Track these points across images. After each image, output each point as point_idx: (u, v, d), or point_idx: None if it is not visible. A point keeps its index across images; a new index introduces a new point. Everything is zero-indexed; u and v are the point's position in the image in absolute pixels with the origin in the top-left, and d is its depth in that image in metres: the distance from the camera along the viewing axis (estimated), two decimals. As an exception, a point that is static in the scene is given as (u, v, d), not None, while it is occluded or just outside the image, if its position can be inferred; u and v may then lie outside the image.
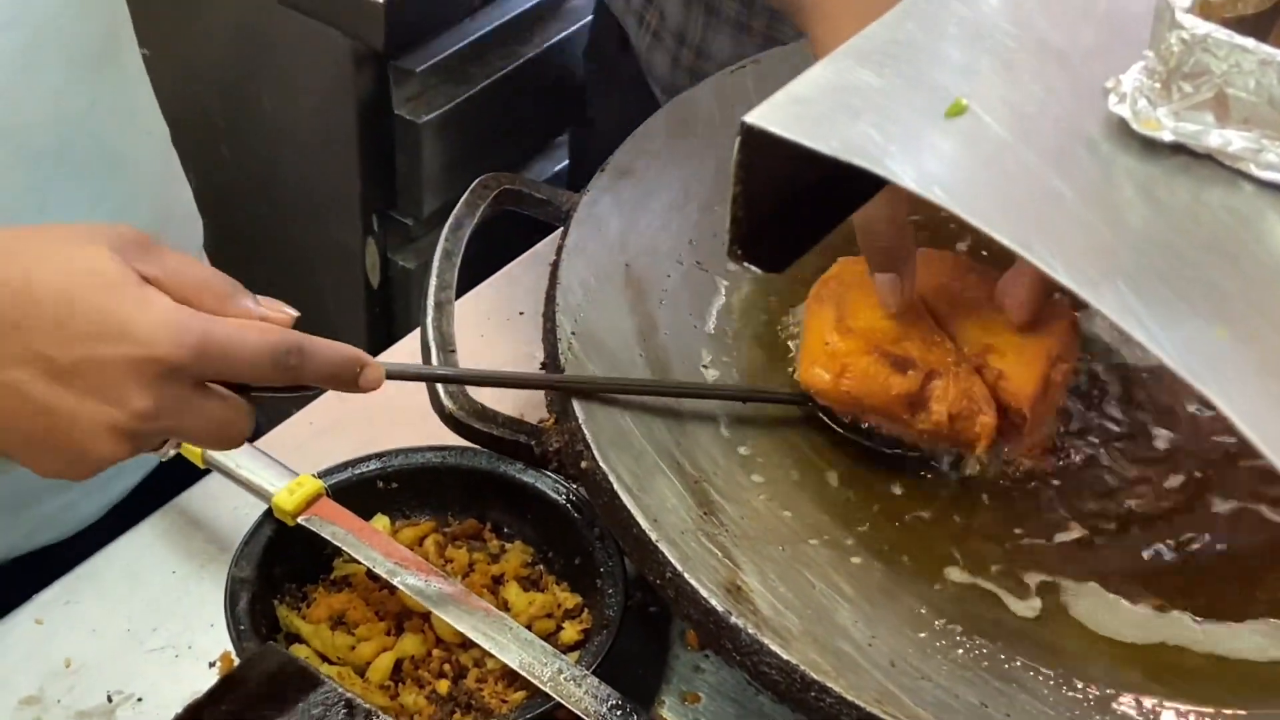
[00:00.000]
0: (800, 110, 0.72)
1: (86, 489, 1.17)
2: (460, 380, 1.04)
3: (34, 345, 0.79)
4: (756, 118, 0.71)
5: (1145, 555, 1.01)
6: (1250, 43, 0.69)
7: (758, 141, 0.72)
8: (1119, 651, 0.95)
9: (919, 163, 0.69)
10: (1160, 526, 1.03)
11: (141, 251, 0.81)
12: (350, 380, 0.87)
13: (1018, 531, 1.02)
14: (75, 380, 0.79)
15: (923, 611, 0.95)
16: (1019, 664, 0.93)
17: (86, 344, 0.79)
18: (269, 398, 0.87)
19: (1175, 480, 1.06)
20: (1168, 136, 0.71)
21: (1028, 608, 0.97)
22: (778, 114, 0.72)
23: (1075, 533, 1.02)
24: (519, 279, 1.32)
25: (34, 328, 0.79)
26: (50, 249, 0.81)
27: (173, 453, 0.88)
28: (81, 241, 0.81)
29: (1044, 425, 1.07)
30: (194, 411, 0.82)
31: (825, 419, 1.06)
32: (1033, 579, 0.99)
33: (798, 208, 0.77)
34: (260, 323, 0.83)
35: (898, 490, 1.04)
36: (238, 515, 1.06)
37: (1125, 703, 0.91)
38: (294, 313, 0.86)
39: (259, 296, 0.85)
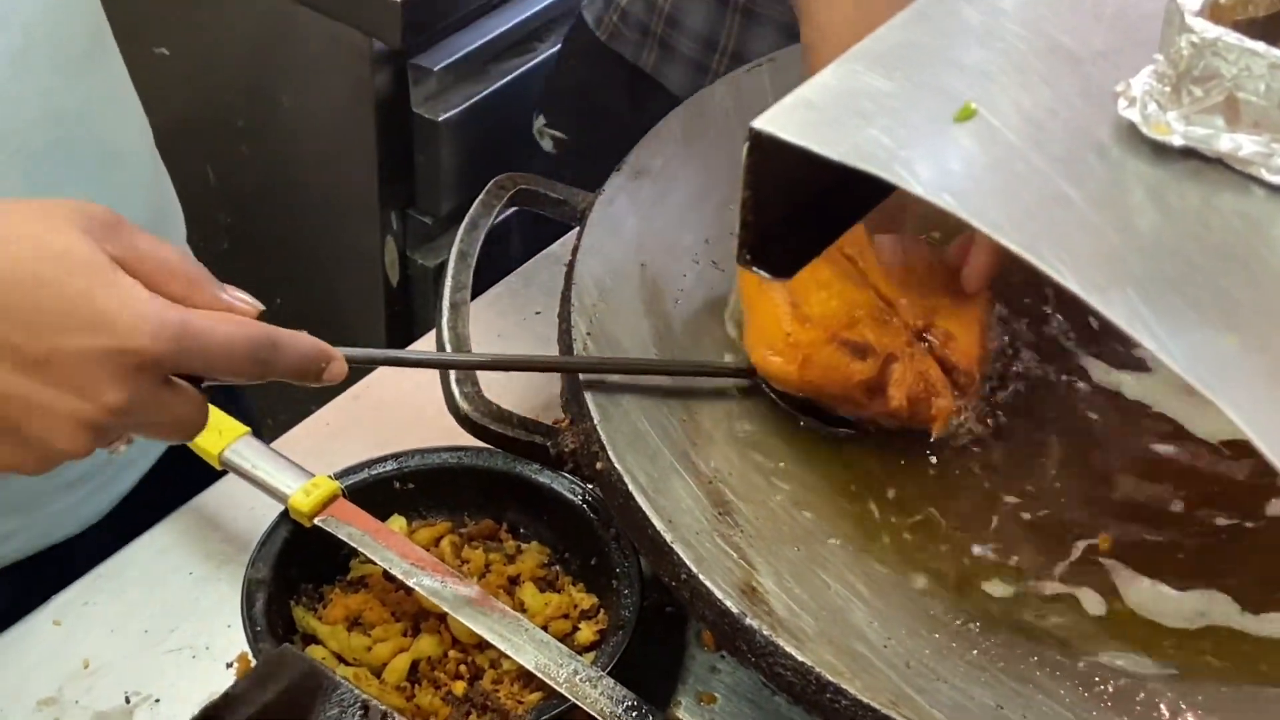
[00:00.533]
0: (810, 115, 0.72)
1: (92, 487, 1.17)
2: (416, 364, 1.05)
3: (1, 333, 0.75)
4: (765, 123, 0.71)
5: (1170, 551, 1.02)
6: (1260, 46, 0.69)
7: (767, 146, 0.72)
8: (1146, 646, 0.95)
9: (928, 168, 0.69)
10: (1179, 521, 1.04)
11: (111, 232, 0.78)
12: (316, 374, 0.85)
13: (1036, 525, 1.02)
14: (46, 372, 0.75)
15: (939, 612, 0.95)
16: (1035, 660, 0.92)
17: (60, 334, 0.75)
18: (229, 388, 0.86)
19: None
20: (1178, 141, 0.71)
21: (1048, 605, 0.97)
22: (787, 119, 0.72)
23: (1097, 528, 1.02)
24: (535, 278, 1.32)
25: (2, 315, 0.75)
26: (17, 229, 0.77)
27: (124, 449, 0.85)
28: (50, 221, 0.77)
29: (979, 386, 1.09)
30: (160, 406, 0.79)
31: (771, 394, 1.06)
32: (1055, 576, 0.99)
33: (808, 211, 0.77)
34: (234, 315, 0.80)
35: (915, 489, 1.04)
36: (254, 516, 1.07)
37: (1143, 701, 0.90)
38: (260, 305, 0.83)
39: (225, 285, 0.82)
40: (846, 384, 1.03)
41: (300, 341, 0.83)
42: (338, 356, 0.86)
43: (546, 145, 1.75)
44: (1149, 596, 0.98)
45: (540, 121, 1.75)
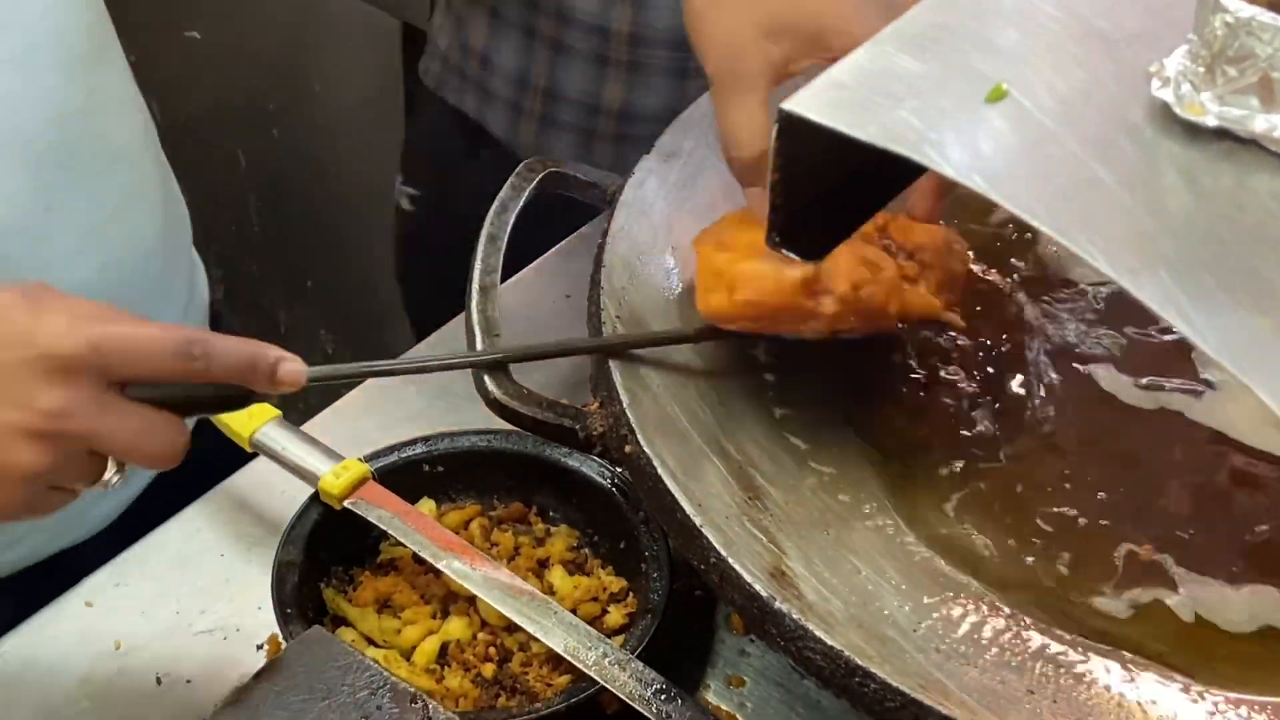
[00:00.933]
0: (840, 96, 0.72)
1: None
2: (382, 373, 1.04)
3: None
4: (795, 104, 0.71)
5: (1224, 552, 1.00)
6: (1296, 26, 0.68)
7: (797, 128, 0.72)
8: (1178, 636, 0.94)
9: (959, 149, 0.69)
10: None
11: (39, 291, 0.82)
12: (265, 375, 0.85)
13: (1084, 524, 1.01)
14: None
15: (971, 598, 0.95)
16: (1067, 644, 0.92)
17: None
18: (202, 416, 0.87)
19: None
20: (1211, 121, 0.71)
21: (1084, 595, 0.96)
22: (817, 100, 0.71)
23: (1146, 529, 1.01)
24: (565, 262, 1.32)
25: None
26: None
27: (116, 480, 0.87)
28: None
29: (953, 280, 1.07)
30: (113, 414, 0.81)
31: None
32: (1096, 573, 0.98)
33: (837, 193, 0.77)
34: (162, 323, 0.83)
35: (947, 473, 1.04)
36: (285, 498, 1.07)
37: (1173, 689, 0.90)
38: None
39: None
40: (784, 291, 0.99)
41: (236, 342, 0.85)
42: (289, 357, 0.86)
43: (405, 204, 1.71)
44: (1197, 593, 0.97)
45: (399, 180, 1.71)
